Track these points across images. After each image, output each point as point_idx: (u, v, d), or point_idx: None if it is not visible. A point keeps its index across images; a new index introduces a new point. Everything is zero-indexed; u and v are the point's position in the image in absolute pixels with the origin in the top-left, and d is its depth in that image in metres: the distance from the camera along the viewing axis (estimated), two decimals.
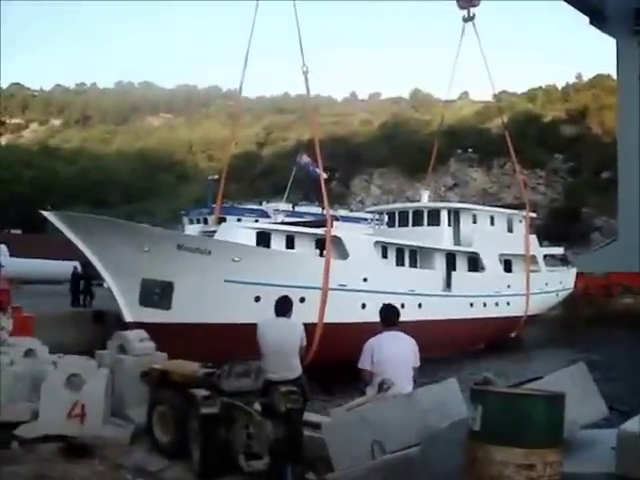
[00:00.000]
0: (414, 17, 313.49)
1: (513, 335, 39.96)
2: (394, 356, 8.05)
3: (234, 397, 8.47)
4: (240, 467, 8.09)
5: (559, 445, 5.20)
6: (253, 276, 26.37)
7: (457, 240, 37.52)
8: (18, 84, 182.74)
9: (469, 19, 42.47)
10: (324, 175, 32.11)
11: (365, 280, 29.79)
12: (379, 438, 6.49)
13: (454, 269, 36.36)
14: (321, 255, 29.47)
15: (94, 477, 8.41)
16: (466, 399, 6.18)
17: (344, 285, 28.95)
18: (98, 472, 8.55)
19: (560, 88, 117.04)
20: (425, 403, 6.77)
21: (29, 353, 11.33)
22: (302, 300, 23.49)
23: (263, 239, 29.47)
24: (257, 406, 8.26)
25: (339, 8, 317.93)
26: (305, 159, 54.11)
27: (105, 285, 27.58)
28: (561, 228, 69.79)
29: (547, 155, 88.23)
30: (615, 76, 67.13)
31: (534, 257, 42.14)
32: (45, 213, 25.57)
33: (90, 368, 10.22)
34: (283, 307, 9.31)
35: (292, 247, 30.21)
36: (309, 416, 9.06)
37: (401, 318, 8.58)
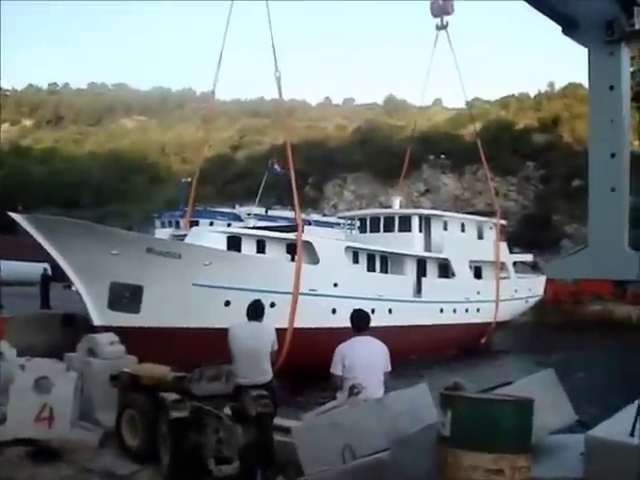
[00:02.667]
0: (389, 23, 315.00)
1: (483, 341, 40.19)
2: (365, 361, 8.07)
3: (204, 401, 8.43)
4: (210, 471, 8.06)
5: (528, 450, 5.25)
6: (223, 280, 26.29)
7: (428, 246, 37.70)
8: None
9: (442, 27, 42.71)
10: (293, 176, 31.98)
11: (336, 285, 29.81)
12: (350, 442, 6.50)
13: (424, 275, 36.50)
14: (292, 260, 29.45)
15: None
16: (436, 404, 6.21)
17: (314, 290, 28.96)
18: (66, 476, 8.49)
19: (533, 96, 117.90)
20: (396, 408, 6.79)
21: None
22: (272, 305, 23.45)
23: (234, 243, 29.39)
24: (227, 410, 8.23)
25: (315, 13, 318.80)
26: (277, 167, 54.13)
27: (74, 288, 27.34)
28: (532, 235, 70.25)
29: (519, 162, 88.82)
30: (587, 85, 67.75)
31: (504, 264, 42.46)
32: (13, 215, 25.20)
33: (59, 371, 10.11)
34: (255, 311, 9.30)
35: (263, 252, 30.16)
36: (280, 420, 9.06)
37: (371, 324, 8.60)
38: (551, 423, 6.80)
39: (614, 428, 5.98)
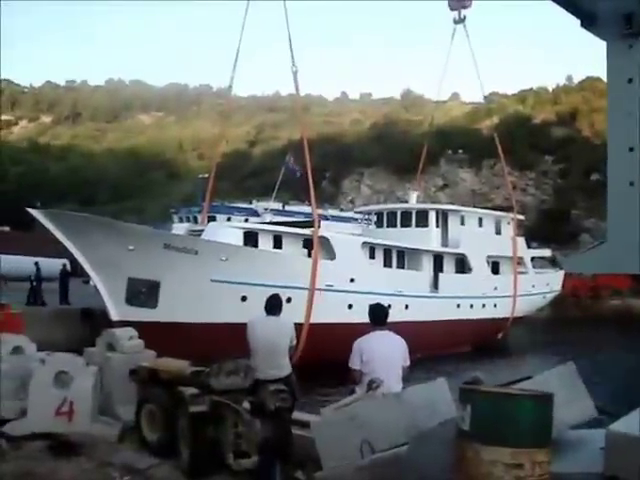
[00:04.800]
0: (406, 17, 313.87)
1: (500, 336, 40.04)
2: (383, 355, 8.06)
3: (223, 395, 8.44)
4: (229, 466, 8.08)
5: (547, 445, 5.22)
6: (240, 276, 26.33)
7: (445, 241, 37.53)
8: (7, 80, 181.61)
9: (460, 21, 42.60)
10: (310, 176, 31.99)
11: (352, 281, 29.78)
12: (368, 437, 6.49)
13: (441, 270, 36.38)
14: (309, 255, 29.46)
15: (81, 475, 8.37)
16: (455, 399, 6.19)
17: (331, 285, 28.95)
18: (86, 470, 8.51)
19: (551, 90, 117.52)
20: (414, 402, 6.78)
21: (17, 350, 11.25)
22: (289, 300, 23.41)
23: (251, 239, 29.38)
24: (246, 405, 8.24)
25: (331, 7, 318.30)
26: (290, 162, 54.19)
27: (91, 283, 27.53)
28: (550, 229, 70.06)
29: (537, 157, 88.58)
30: (605, 79, 67.58)
31: (521, 259, 42.26)
32: (31, 210, 25.37)
33: (78, 365, 10.15)
34: (273, 305, 9.30)
35: (280, 247, 30.11)
36: (298, 415, 9.06)
37: (388, 319, 8.59)
38: (571, 417, 6.77)
39: (634, 423, 5.95)
